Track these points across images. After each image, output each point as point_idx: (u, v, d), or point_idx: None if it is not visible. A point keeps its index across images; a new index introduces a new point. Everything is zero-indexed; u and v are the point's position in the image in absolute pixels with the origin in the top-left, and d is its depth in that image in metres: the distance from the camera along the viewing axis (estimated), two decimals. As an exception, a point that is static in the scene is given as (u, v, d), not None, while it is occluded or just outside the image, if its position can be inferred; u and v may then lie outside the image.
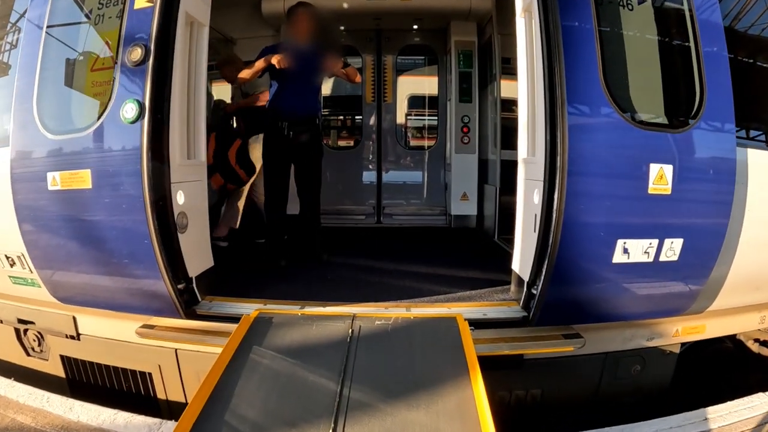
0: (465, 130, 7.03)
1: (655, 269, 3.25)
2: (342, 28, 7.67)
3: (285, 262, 4.86)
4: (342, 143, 8.25)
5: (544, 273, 3.16)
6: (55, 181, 3.37)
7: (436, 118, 7.97)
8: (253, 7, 6.95)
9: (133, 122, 3.13)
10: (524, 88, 3.48)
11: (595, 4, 3.07)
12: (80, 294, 3.64)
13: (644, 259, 3.19)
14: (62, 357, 4.06)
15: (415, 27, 7.71)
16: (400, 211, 7.80)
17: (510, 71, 6.60)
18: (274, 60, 4.41)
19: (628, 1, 3.21)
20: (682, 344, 3.97)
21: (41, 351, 4.19)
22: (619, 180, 3.11)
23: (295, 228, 5.17)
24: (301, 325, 3.28)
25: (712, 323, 3.90)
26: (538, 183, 3.17)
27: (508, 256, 3.99)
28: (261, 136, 5.21)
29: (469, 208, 7.19)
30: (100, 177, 3.27)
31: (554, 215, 2.99)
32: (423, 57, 8.12)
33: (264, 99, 5.56)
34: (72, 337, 3.89)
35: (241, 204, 5.86)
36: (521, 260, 3.63)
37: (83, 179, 3.30)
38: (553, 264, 3.09)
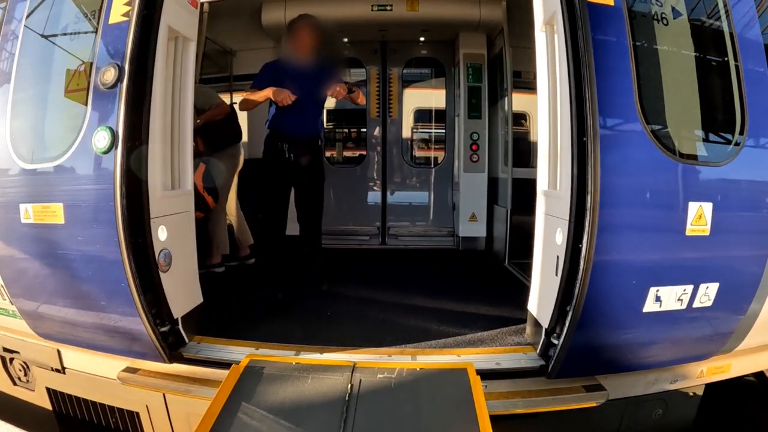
0: (474, 147, 6.69)
1: (687, 316, 2.92)
2: (345, 39, 7.35)
3: (282, 295, 4.55)
4: (345, 160, 7.92)
5: (567, 324, 2.79)
6: (28, 213, 3.06)
7: (443, 132, 7.64)
8: (253, 17, 6.68)
9: (106, 152, 2.79)
10: (545, 112, 3.12)
11: (629, 17, 2.71)
12: (59, 332, 3.35)
13: (677, 306, 2.85)
14: (48, 389, 3.80)
15: (422, 39, 7.37)
16: (406, 232, 7.45)
17: (521, 85, 6.32)
18: (279, 98, 4.19)
19: (663, 15, 2.87)
20: (707, 385, 3.66)
21: (27, 381, 3.93)
22: (656, 221, 2.76)
23: (294, 253, 4.89)
24: (296, 377, 2.93)
25: (738, 362, 3.58)
26: (562, 222, 2.82)
27: (520, 286, 3.80)
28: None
29: (478, 230, 6.85)
30: (73, 212, 2.95)
31: (582, 263, 2.62)
32: (430, 70, 7.80)
33: (224, 109, 5.32)
34: (57, 371, 3.59)
35: (226, 227, 5.56)
36: (539, 304, 3.26)
37: (55, 214, 2.99)
38: (579, 316, 2.73)
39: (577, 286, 2.65)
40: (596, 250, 2.60)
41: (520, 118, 7.03)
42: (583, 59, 2.58)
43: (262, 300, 4.45)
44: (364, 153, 7.65)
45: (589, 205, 2.55)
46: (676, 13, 2.93)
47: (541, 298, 3.25)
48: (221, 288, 4.72)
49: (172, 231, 3.19)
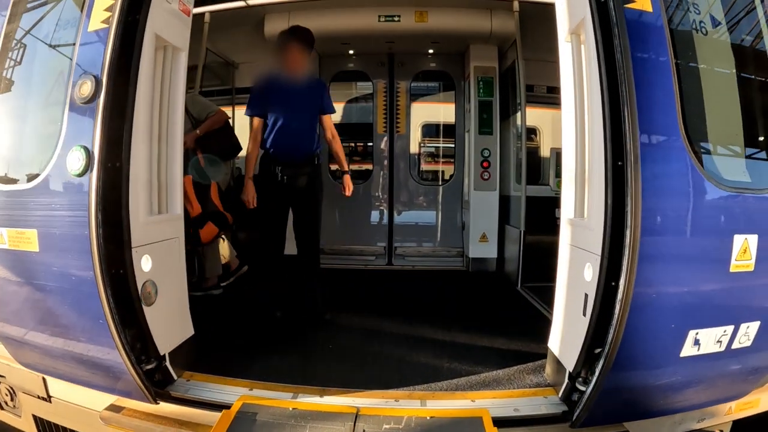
0: (485, 164, 6.40)
1: (725, 359, 2.61)
2: (351, 52, 7.11)
3: (281, 314, 4.33)
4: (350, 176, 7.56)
5: (598, 371, 2.46)
6: (2, 238, 2.81)
7: (452, 147, 7.33)
8: (256, 28, 6.45)
9: (81, 175, 2.51)
10: (570, 131, 2.81)
11: (668, 25, 2.41)
12: (40, 363, 3.09)
13: (715, 349, 2.54)
14: (34, 417, 3.51)
15: (431, 51, 7.12)
16: (414, 252, 7.14)
17: (532, 99, 6.06)
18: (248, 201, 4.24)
19: (702, 24, 2.57)
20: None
21: (14, 407, 3.64)
22: (698, 257, 2.44)
23: (292, 275, 4.56)
24: (292, 427, 2.62)
25: (767, 396, 3.25)
26: (592, 256, 2.50)
27: (535, 314, 3.69)
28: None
29: (489, 251, 6.54)
30: (47, 240, 2.69)
31: (618, 306, 2.30)
32: (439, 83, 7.54)
33: (222, 116, 5.18)
34: (43, 399, 3.30)
35: (221, 249, 5.37)
36: (562, 343, 2.94)
37: (30, 240, 2.73)
38: (612, 363, 2.40)
39: (612, 331, 2.33)
40: (634, 291, 2.28)
41: (530, 133, 6.72)
42: (620, 72, 2.26)
43: (259, 328, 4.19)
44: (370, 169, 7.37)
45: (628, 240, 2.22)
46: (715, 22, 2.64)
47: (564, 338, 2.92)
48: (216, 315, 4.46)
49: (158, 260, 2.90)
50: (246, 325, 4.29)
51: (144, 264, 2.78)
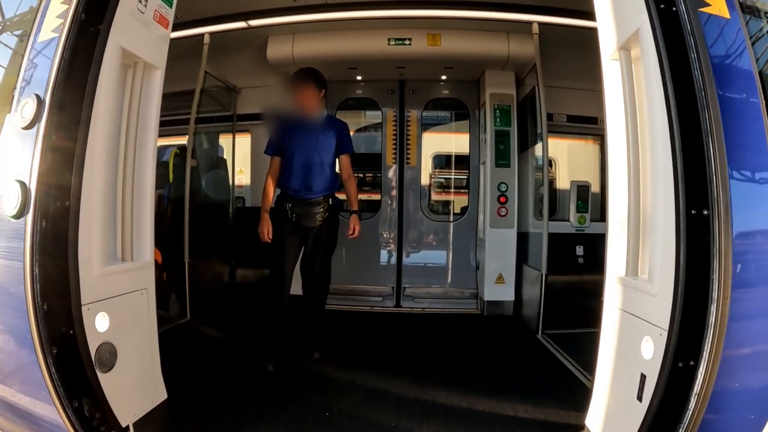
0: (502, 200, 5.89)
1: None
2: (359, 78, 6.69)
3: (273, 368, 4.03)
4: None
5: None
6: (-64, 285, 2.30)
7: (466, 180, 6.85)
8: (259, 51, 6.12)
9: (17, 217, 2.03)
10: (620, 169, 2.30)
11: (748, 35, 1.93)
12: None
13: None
14: None
15: (444, 78, 6.68)
16: (424, 293, 6.58)
17: (553, 129, 5.62)
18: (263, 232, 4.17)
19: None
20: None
21: None
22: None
23: (293, 319, 4.31)
24: None
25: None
26: (654, 329, 1.97)
27: (559, 369, 3.49)
28: None
29: (505, 293, 5.99)
30: (-19, 293, 2.19)
31: (695, 400, 1.77)
32: (452, 112, 7.07)
33: None
34: None
35: None
36: (607, 427, 2.39)
37: (-37, 291, 2.23)
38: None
39: (684, 427, 1.79)
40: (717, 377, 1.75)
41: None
42: (700, 94, 1.76)
43: (249, 384, 3.73)
44: (378, 200, 6.88)
45: (714, 315, 1.68)
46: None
47: (609, 421, 2.37)
48: (202, 365, 4.06)
49: (118, 318, 2.42)
50: (235, 380, 3.82)
51: (99, 323, 2.29)
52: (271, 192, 4.26)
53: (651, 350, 1.97)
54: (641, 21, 2.03)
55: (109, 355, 2.35)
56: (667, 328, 1.85)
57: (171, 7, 2.82)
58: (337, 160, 4.37)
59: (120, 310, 2.45)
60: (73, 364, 2.18)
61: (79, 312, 2.16)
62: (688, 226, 1.76)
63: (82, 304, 2.18)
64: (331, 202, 4.27)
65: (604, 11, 2.42)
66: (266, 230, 4.14)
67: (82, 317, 2.17)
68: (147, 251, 2.70)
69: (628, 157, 2.19)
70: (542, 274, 5.16)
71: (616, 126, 2.31)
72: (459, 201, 6.94)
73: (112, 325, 2.36)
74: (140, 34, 2.54)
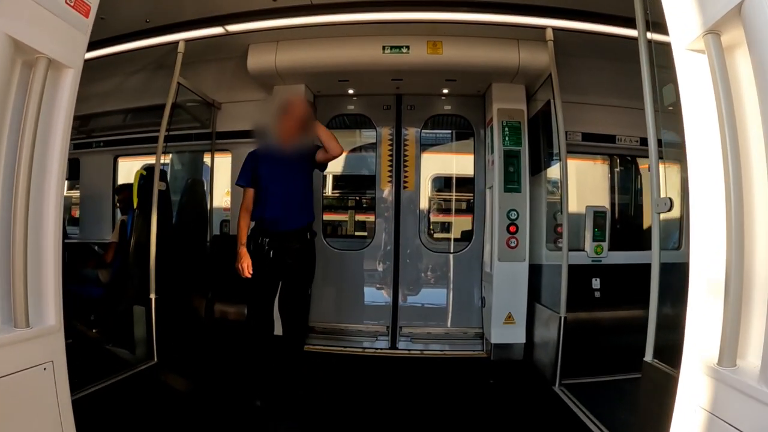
0: (512, 229, 5.19)
1: None
2: (351, 91, 6.01)
3: (261, 402, 3.91)
4: (346, 241, 6.40)
5: None
6: None
7: (470, 207, 6.14)
8: (239, 63, 5.53)
9: None
10: (711, 201, 1.58)
11: None
12: None
13: None
14: None
15: (446, 91, 5.98)
16: (423, 333, 5.84)
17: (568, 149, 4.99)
18: (242, 268, 4.01)
19: None
20: None
21: None
22: None
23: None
24: None
25: None
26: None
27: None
28: None
29: (516, 335, 5.26)
30: None
31: None
32: (455, 131, 6.39)
33: None
34: None
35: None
36: None
37: None
38: None
39: None
40: None
41: (556, 187, 5.56)
42: None
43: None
44: (371, 230, 6.17)
45: None
46: None
47: None
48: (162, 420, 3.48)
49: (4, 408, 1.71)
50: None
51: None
52: (246, 226, 4.10)
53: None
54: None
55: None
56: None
57: (94, -13, 2.14)
58: (312, 179, 4.24)
59: (5, 398, 1.75)
60: None
61: None
62: None
63: None
64: (308, 236, 4.14)
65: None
66: (245, 266, 3.97)
67: None
68: (51, 312, 2.00)
69: (726, 187, 1.47)
70: (560, 317, 4.45)
71: (699, 141, 1.61)
72: (461, 228, 6.26)
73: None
74: (43, 22, 1.86)
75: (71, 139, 2.07)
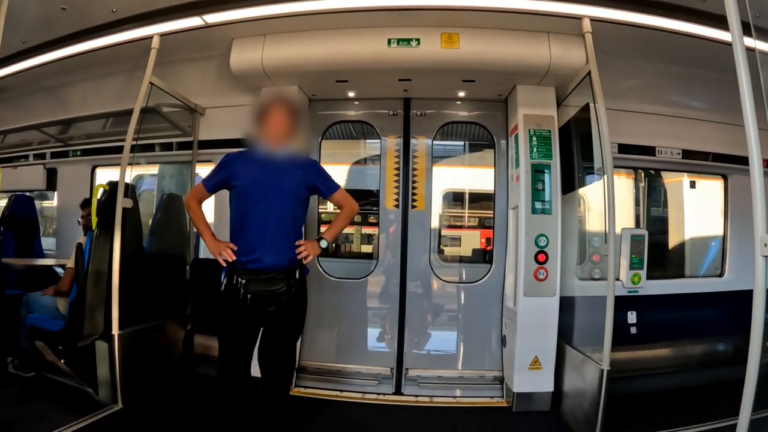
0: (541, 258, 4.35)
1: None
2: (352, 94, 5.24)
3: None
4: (344, 268, 5.52)
5: None
6: None
7: (490, 229, 5.27)
8: (224, 62, 4.80)
9: None
10: None
11: None
12: None
13: None
14: None
15: (462, 94, 5.16)
16: (432, 376, 4.98)
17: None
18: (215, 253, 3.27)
19: None
20: None
21: None
22: None
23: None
24: None
25: None
26: None
27: None
28: None
29: (543, 383, 4.43)
30: None
31: None
32: (471, 141, 5.59)
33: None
34: None
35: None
36: None
37: None
38: None
39: None
40: None
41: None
42: None
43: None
44: (374, 257, 5.37)
45: None
46: None
47: None
48: None
49: None
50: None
51: None
52: (203, 216, 3.44)
53: None
54: None
55: None
56: None
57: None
58: (304, 211, 3.45)
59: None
60: None
61: None
62: None
63: None
64: (297, 275, 3.29)
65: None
66: (222, 249, 3.22)
67: None
68: None
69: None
70: (602, 370, 3.64)
71: None
72: (481, 262, 5.45)
73: None
74: None
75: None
